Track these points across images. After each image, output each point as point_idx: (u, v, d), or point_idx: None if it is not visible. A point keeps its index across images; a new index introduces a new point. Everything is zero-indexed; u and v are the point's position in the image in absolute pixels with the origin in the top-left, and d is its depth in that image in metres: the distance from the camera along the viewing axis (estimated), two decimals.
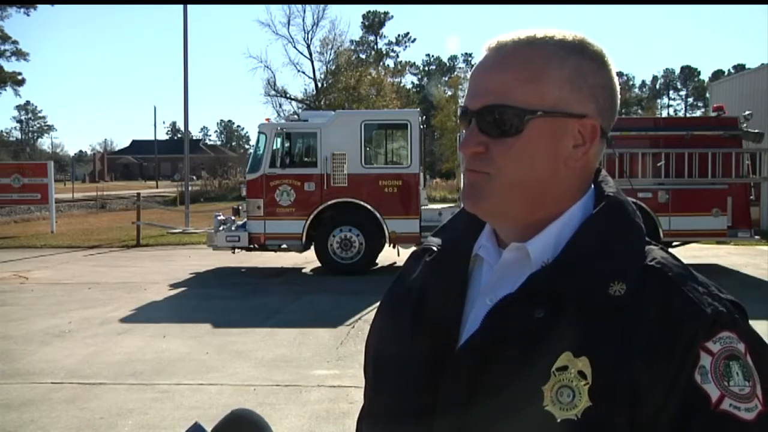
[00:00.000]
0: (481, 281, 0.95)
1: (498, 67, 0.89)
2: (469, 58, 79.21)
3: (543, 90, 0.87)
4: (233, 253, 12.11)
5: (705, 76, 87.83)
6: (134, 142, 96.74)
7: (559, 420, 0.79)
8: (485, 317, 0.87)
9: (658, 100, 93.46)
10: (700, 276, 0.87)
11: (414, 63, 77.12)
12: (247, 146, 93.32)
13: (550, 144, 0.88)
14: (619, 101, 0.94)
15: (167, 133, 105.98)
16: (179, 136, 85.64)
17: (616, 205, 0.91)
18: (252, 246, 11.59)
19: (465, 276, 0.95)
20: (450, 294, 0.94)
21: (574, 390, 0.80)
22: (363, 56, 54.39)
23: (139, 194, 20.44)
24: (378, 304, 1.10)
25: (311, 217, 11.41)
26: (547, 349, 0.82)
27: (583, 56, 0.90)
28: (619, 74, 0.98)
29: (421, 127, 12.40)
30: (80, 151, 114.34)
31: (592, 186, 0.94)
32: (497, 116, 0.87)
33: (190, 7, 21.10)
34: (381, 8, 69.34)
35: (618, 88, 0.94)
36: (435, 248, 1.01)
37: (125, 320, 8.11)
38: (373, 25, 69.63)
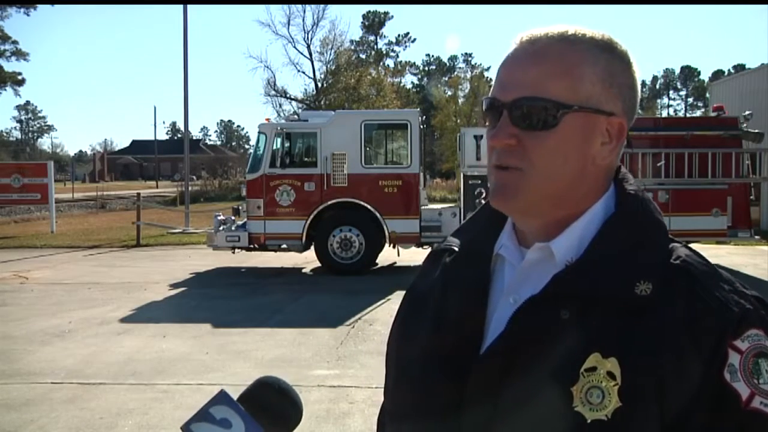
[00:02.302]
0: (503, 280, 0.94)
1: (532, 60, 0.88)
2: (469, 58, 79.13)
3: (577, 86, 0.87)
4: (233, 253, 12.11)
5: (705, 76, 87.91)
6: (134, 142, 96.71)
7: (589, 421, 0.79)
8: (511, 318, 0.87)
9: (658, 100, 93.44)
10: (725, 273, 0.87)
11: (414, 63, 77.08)
12: (247, 146, 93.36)
13: (581, 140, 0.88)
14: (638, 101, 0.95)
15: (167, 133, 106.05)
16: (179, 136, 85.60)
17: (638, 203, 0.91)
18: (252, 246, 11.59)
19: (487, 275, 0.95)
20: (472, 293, 0.94)
21: (603, 391, 0.80)
22: (363, 56, 54.43)
23: (139, 194, 20.45)
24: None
25: (311, 217, 11.40)
26: (574, 350, 0.82)
27: (612, 55, 0.90)
28: None
29: (421, 127, 12.41)
30: (80, 151, 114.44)
31: (613, 184, 0.94)
32: (532, 109, 0.87)
33: (190, 7, 21.12)
34: (381, 8, 69.37)
35: (639, 89, 0.95)
36: (455, 248, 1.01)
37: (125, 320, 8.11)
38: (373, 25, 69.61)
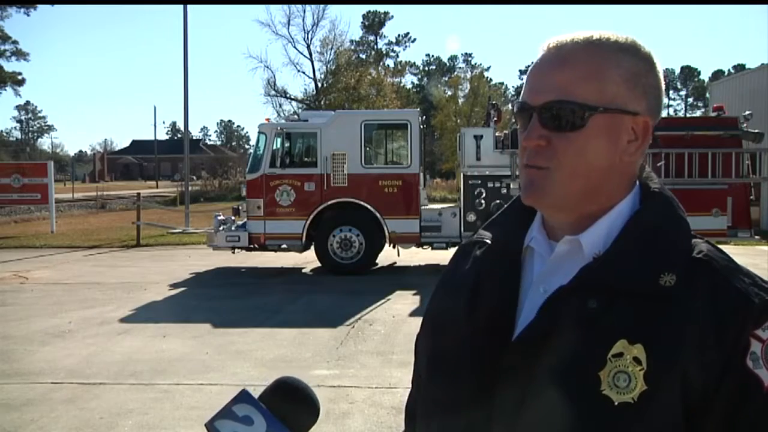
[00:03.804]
0: (533, 271, 0.99)
1: (559, 65, 0.93)
2: (469, 58, 79.05)
3: (603, 88, 0.92)
4: (233, 253, 12.11)
5: (705, 76, 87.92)
6: (134, 142, 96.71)
7: (616, 403, 0.84)
8: (541, 307, 0.92)
9: None
10: (745, 267, 0.91)
11: (414, 63, 77.07)
12: (247, 146, 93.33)
13: (608, 139, 0.93)
14: (663, 100, 0.99)
15: (167, 133, 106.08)
16: (179, 136, 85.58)
17: (663, 199, 0.96)
18: (252, 246, 11.59)
19: (517, 267, 1.00)
20: (505, 284, 0.99)
21: (630, 375, 0.84)
22: (363, 56, 54.38)
23: (139, 194, 20.44)
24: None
25: (311, 217, 11.41)
26: (602, 337, 0.87)
27: (636, 57, 0.95)
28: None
29: (421, 127, 12.41)
30: (80, 151, 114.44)
31: (638, 182, 0.99)
32: (560, 111, 0.91)
33: (190, 7, 21.10)
34: (381, 8, 69.38)
35: (663, 88, 0.98)
36: (487, 241, 1.06)
37: (125, 320, 8.11)
38: (373, 25, 69.59)
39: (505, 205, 1.10)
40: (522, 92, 0.97)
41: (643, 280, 0.87)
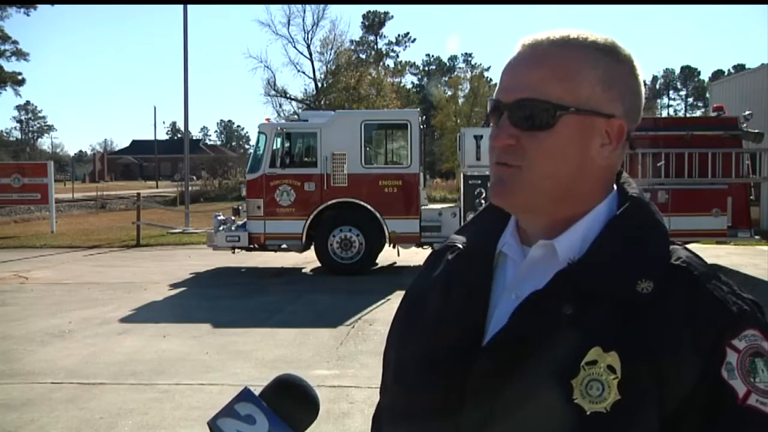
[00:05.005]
0: (505, 277, 0.96)
1: (533, 64, 0.91)
2: (469, 58, 79.05)
3: (576, 88, 0.89)
4: (233, 253, 12.11)
5: (705, 76, 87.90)
6: (134, 142, 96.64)
7: (588, 413, 0.81)
8: (514, 312, 0.89)
9: (658, 100, 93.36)
10: (723, 275, 0.89)
11: (414, 63, 77.06)
12: (247, 146, 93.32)
13: (579, 140, 0.90)
14: (642, 105, 0.96)
15: (167, 133, 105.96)
16: (179, 136, 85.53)
17: (640, 205, 0.93)
18: (252, 246, 11.60)
19: (489, 273, 0.97)
20: (475, 289, 0.95)
21: (603, 384, 0.81)
22: (363, 56, 54.34)
23: (139, 194, 20.44)
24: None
25: (311, 217, 11.41)
26: (576, 344, 0.84)
27: (614, 59, 0.92)
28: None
29: (421, 127, 12.41)
30: (80, 151, 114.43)
31: (615, 187, 0.96)
32: (530, 110, 0.89)
33: (190, 7, 21.10)
34: (381, 8, 69.29)
35: (643, 93, 0.96)
36: (460, 246, 1.02)
37: (125, 320, 8.12)
38: (373, 25, 69.54)
39: (479, 210, 1.07)
40: (495, 91, 0.95)
41: (620, 286, 0.85)
